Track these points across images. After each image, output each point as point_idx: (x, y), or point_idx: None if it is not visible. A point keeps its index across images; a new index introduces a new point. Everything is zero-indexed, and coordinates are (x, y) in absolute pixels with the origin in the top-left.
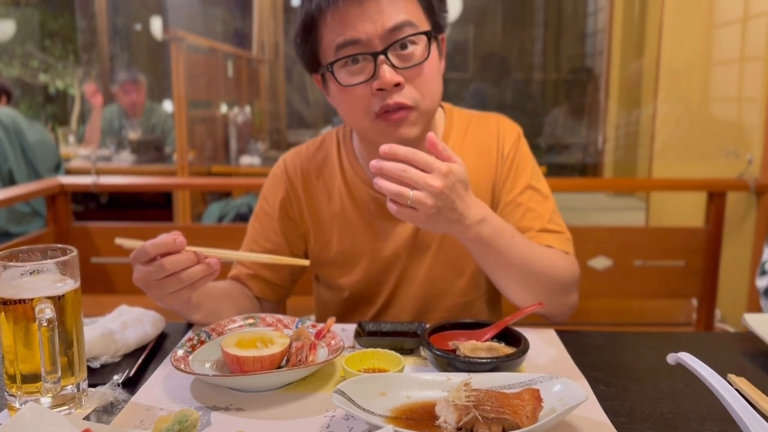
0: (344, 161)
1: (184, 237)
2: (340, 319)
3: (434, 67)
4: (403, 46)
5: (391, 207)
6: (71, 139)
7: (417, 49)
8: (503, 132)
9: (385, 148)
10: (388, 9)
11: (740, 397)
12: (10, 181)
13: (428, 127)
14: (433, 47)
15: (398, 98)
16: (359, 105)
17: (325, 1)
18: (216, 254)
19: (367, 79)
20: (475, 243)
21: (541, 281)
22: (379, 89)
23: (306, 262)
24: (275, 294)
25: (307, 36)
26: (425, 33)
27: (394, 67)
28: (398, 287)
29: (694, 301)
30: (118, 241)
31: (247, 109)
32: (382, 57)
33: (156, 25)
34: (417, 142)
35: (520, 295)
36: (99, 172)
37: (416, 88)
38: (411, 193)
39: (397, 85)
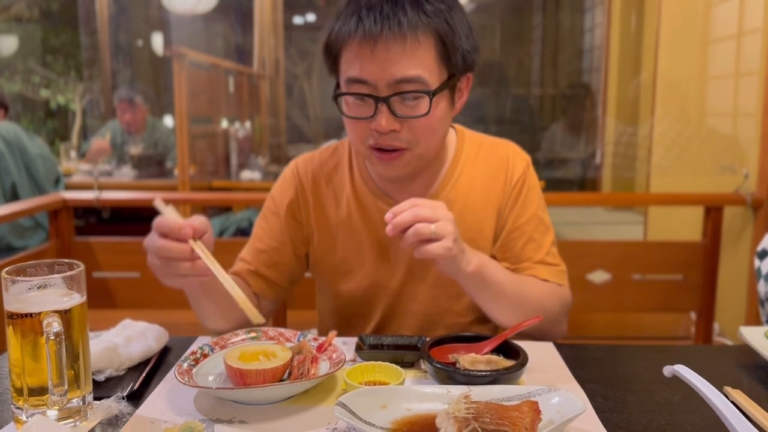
0: (355, 170)
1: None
2: (342, 332)
3: (436, 119)
4: (407, 98)
5: (422, 252)
6: (72, 154)
7: (421, 102)
8: (513, 160)
9: (388, 216)
10: (400, 60)
11: (735, 409)
12: (13, 195)
13: (424, 165)
14: (440, 100)
15: (392, 141)
16: (358, 134)
17: (346, 33)
18: (208, 262)
19: (367, 116)
20: (475, 275)
21: (531, 311)
22: (375, 129)
23: (261, 320)
24: (274, 293)
25: (329, 53)
26: (428, 93)
27: (394, 113)
28: (399, 302)
29: (693, 315)
30: (156, 202)
31: (248, 124)
32: (383, 103)
33: (158, 41)
34: (410, 179)
35: (511, 324)
36: (101, 187)
37: (413, 133)
38: (432, 226)
39: (393, 130)
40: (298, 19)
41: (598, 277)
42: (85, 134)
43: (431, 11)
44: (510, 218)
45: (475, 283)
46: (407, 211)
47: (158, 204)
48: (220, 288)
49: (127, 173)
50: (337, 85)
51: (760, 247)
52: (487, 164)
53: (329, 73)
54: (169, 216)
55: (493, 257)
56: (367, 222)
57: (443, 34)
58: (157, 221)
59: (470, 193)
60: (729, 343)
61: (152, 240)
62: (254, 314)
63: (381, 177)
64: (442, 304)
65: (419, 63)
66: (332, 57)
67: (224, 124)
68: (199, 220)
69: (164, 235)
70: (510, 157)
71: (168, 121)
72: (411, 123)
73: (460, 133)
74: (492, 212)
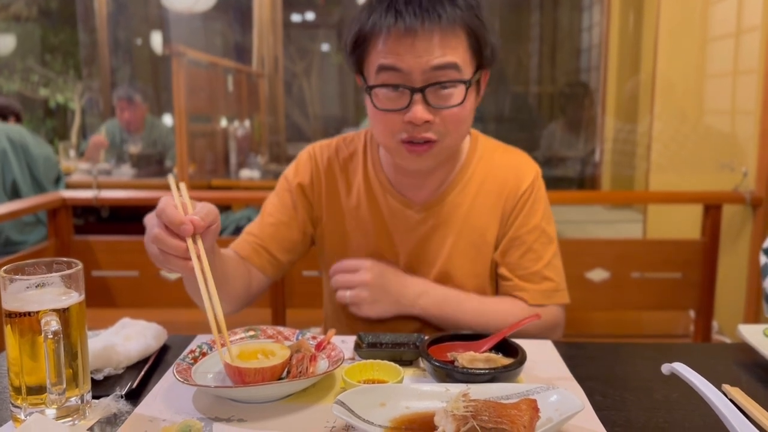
0: (368, 162)
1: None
2: (340, 323)
3: (468, 110)
4: (443, 87)
5: (352, 310)
6: (72, 153)
7: (455, 92)
8: (522, 169)
9: (331, 272)
10: (437, 48)
11: (734, 407)
12: (14, 191)
13: (445, 159)
14: (471, 92)
15: (425, 134)
16: (388, 127)
17: (380, 26)
18: (197, 269)
19: (400, 108)
20: (425, 315)
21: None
22: (409, 122)
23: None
24: (273, 269)
25: (356, 48)
26: (464, 82)
27: (428, 104)
28: None
29: (692, 313)
30: (170, 179)
31: (247, 123)
32: (418, 94)
33: (156, 39)
34: (423, 177)
35: None
36: (100, 186)
37: (444, 124)
38: (347, 293)
39: (427, 121)
40: (296, 17)
41: (597, 275)
42: (84, 133)
43: (464, 5)
44: (512, 227)
45: (427, 317)
46: (333, 277)
47: (171, 182)
48: (215, 275)
49: (126, 172)
50: (361, 73)
51: (766, 244)
52: (496, 171)
53: (353, 70)
54: (176, 202)
55: (495, 262)
56: (374, 214)
57: (475, 28)
58: (161, 205)
59: (477, 198)
60: (728, 341)
61: (151, 225)
62: (227, 349)
63: (397, 171)
64: None
65: (454, 52)
66: (360, 51)
67: (223, 122)
68: (205, 211)
69: (164, 225)
70: (520, 167)
71: (167, 119)
72: (444, 114)
73: (474, 137)
74: (496, 218)
